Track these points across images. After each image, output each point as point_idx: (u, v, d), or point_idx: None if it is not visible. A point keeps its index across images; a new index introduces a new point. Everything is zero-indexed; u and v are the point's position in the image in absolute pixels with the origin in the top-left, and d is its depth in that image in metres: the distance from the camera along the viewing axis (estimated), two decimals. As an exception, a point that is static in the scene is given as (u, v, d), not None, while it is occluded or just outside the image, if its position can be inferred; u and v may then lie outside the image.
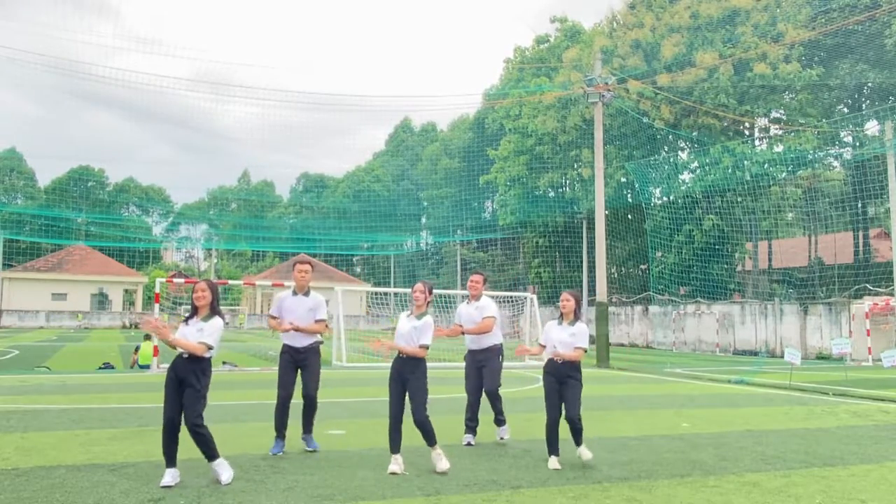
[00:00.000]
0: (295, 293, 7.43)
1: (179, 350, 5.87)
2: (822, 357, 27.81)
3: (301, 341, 7.32)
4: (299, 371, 7.35)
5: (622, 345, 39.04)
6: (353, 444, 7.77)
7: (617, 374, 18.39)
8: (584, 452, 6.82)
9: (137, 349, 19.10)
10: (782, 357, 22.14)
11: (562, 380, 6.75)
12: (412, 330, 6.49)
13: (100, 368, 18.30)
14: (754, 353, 30.60)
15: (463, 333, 7.99)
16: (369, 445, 7.62)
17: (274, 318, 7.36)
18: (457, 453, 7.17)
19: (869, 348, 24.71)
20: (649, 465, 6.84)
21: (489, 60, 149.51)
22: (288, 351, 7.33)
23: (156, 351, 17.28)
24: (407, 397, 6.48)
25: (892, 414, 11.18)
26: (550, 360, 6.87)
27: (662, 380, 17.44)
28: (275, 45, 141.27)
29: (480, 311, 8.03)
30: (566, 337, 6.77)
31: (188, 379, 5.80)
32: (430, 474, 6.30)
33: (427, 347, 6.50)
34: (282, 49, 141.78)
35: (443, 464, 6.40)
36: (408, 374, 6.45)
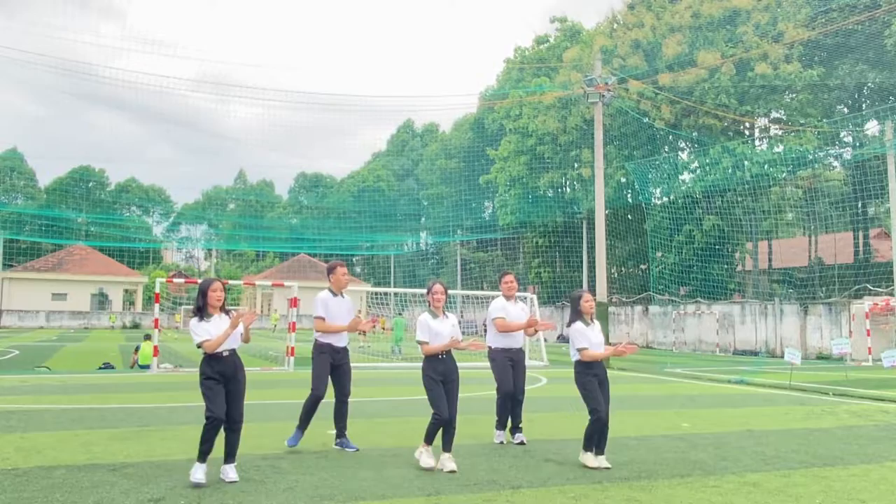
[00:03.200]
0: (334, 294, 7.51)
1: (223, 347, 5.93)
2: (822, 357, 27.80)
3: (343, 341, 7.50)
4: (332, 371, 7.44)
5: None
6: (353, 443, 7.75)
7: (617, 374, 18.37)
8: (604, 461, 6.71)
9: (137, 349, 19.09)
10: (782, 357, 22.13)
11: (602, 380, 6.84)
12: (452, 329, 6.68)
13: (100, 368, 18.29)
14: (754, 353, 30.60)
15: (536, 330, 8.28)
16: (369, 445, 7.62)
17: (322, 318, 7.37)
18: (457, 453, 7.16)
19: (869, 348, 24.69)
20: (649, 465, 6.83)
21: (490, 61, 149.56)
22: (329, 351, 7.38)
23: (156, 351, 17.27)
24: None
25: (892, 414, 11.17)
26: (597, 363, 6.87)
27: (662, 380, 17.43)
28: (275, 46, 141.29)
29: (527, 314, 8.33)
30: (601, 337, 6.94)
31: (239, 375, 6.06)
32: (430, 474, 6.30)
33: None
34: (281, 49, 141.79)
35: (452, 464, 6.46)
36: (454, 374, 6.64)
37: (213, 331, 5.90)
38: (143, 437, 8.01)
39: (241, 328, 5.99)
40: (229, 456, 5.99)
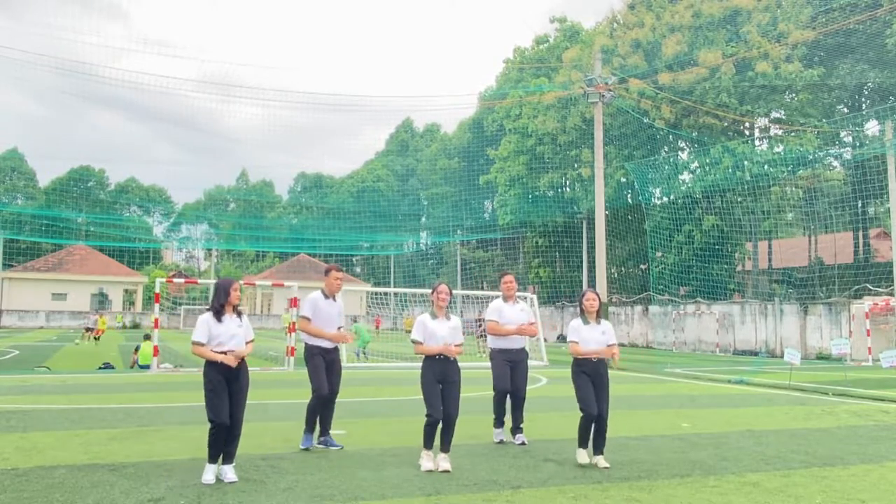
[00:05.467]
0: (326, 297, 7.62)
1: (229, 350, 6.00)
2: (821, 357, 27.79)
3: (332, 342, 7.64)
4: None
5: (622, 345, 39.02)
6: (353, 444, 7.76)
7: (617, 374, 18.42)
8: (602, 461, 6.75)
9: (137, 349, 19.09)
10: (782, 357, 22.12)
11: (596, 378, 6.83)
12: (451, 331, 6.68)
13: (100, 368, 18.29)
14: (754, 353, 30.59)
15: (516, 333, 8.08)
16: (369, 445, 7.62)
17: (308, 318, 7.49)
18: (457, 453, 7.17)
19: (869, 348, 24.68)
20: (649, 465, 6.83)
21: (490, 61, 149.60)
22: (320, 353, 7.52)
23: (156, 351, 17.28)
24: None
25: (892, 414, 11.17)
26: (587, 360, 6.86)
27: (662, 380, 17.44)
28: (275, 46, 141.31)
29: (527, 314, 8.22)
30: (599, 336, 6.88)
31: (243, 378, 6.09)
32: (430, 474, 6.30)
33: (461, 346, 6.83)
34: (282, 49, 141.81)
35: (447, 464, 6.47)
36: (455, 376, 6.64)
37: (220, 332, 6.00)
38: (143, 437, 8.01)
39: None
40: (227, 457, 6.01)
